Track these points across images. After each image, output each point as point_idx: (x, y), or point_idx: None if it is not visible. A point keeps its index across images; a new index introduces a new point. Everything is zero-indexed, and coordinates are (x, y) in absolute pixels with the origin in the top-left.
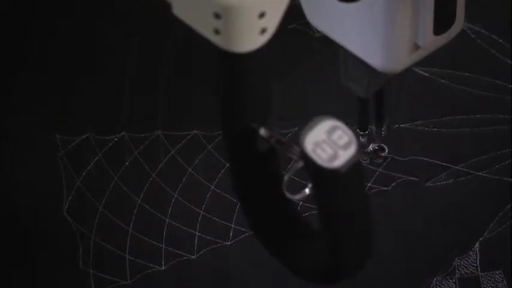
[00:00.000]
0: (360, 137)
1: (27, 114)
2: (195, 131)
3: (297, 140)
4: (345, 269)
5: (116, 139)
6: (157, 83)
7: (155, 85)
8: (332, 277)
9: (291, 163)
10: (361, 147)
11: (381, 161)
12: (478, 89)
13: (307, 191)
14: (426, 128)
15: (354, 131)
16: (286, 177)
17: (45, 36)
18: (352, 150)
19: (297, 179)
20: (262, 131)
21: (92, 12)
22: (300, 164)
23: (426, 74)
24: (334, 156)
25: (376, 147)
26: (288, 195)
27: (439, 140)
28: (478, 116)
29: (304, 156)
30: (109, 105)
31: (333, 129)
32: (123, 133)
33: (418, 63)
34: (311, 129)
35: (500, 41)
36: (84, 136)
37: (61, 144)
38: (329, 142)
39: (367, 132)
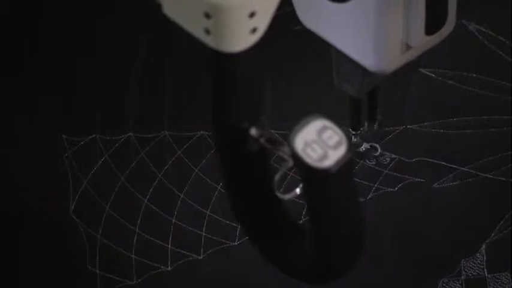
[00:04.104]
0: (353, 137)
1: (33, 114)
2: (201, 132)
3: (287, 140)
4: (335, 269)
5: (122, 140)
6: (164, 83)
7: (161, 86)
8: (322, 277)
9: (282, 163)
10: (354, 147)
11: (388, 161)
12: (485, 90)
13: (297, 190)
14: (433, 130)
15: (347, 131)
16: (277, 177)
17: (50, 36)
18: (342, 150)
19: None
20: (253, 131)
21: (97, 12)
22: (290, 163)
23: (433, 75)
24: (324, 156)
25: (369, 147)
26: (279, 194)
27: (445, 141)
28: (485, 117)
29: (294, 156)
30: (115, 106)
31: (323, 129)
32: (130, 134)
33: (425, 65)
34: (301, 128)
35: (507, 42)
36: (91, 137)
37: (68, 144)
38: (319, 142)
39: (359, 132)
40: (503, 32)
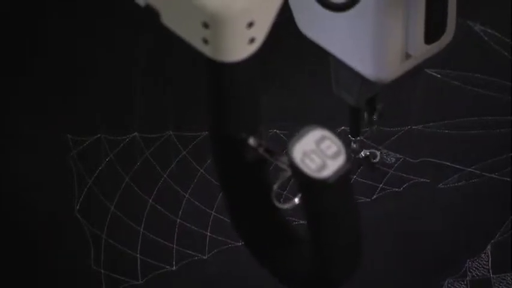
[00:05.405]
0: (352, 143)
1: (39, 114)
2: (206, 132)
3: (287, 147)
4: (333, 278)
5: (127, 139)
6: (169, 84)
7: (166, 86)
8: (321, 285)
9: (280, 172)
10: (353, 153)
11: (393, 161)
12: (490, 91)
13: (296, 200)
14: (438, 130)
15: (346, 136)
16: (275, 187)
17: (50, 36)
18: (340, 160)
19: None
20: (251, 141)
21: (97, 12)
22: (289, 173)
23: (438, 76)
24: (323, 166)
25: (368, 153)
26: (277, 204)
27: (450, 141)
28: (490, 117)
29: (293, 166)
30: (121, 106)
31: (321, 139)
32: (135, 134)
33: (430, 65)
34: (300, 138)
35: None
36: (96, 136)
37: (73, 144)
38: (318, 152)
39: (358, 138)
40: (508, 33)
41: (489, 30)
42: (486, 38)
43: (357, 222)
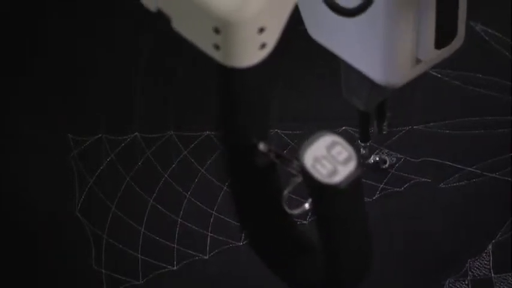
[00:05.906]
0: (361, 149)
1: (40, 114)
2: (207, 132)
3: (298, 152)
4: (344, 282)
5: (128, 139)
6: (170, 83)
7: (168, 85)
8: None
9: (291, 178)
10: (362, 159)
11: (394, 161)
12: (491, 91)
13: (306, 206)
14: (439, 130)
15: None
16: (285, 192)
17: (50, 36)
18: (351, 165)
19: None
20: (262, 146)
21: (97, 12)
22: (300, 178)
23: (439, 76)
24: (334, 172)
25: (377, 159)
26: (288, 210)
27: (452, 141)
28: (491, 117)
29: (304, 172)
30: (121, 105)
31: (332, 145)
32: (136, 133)
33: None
34: (311, 144)
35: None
36: (97, 136)
37: (73, 144)
38: (329, 157)
39: (368, 143)
40: (509, 33)
41: (490, 30)
42: (487, 38)
43: (367, 227)
